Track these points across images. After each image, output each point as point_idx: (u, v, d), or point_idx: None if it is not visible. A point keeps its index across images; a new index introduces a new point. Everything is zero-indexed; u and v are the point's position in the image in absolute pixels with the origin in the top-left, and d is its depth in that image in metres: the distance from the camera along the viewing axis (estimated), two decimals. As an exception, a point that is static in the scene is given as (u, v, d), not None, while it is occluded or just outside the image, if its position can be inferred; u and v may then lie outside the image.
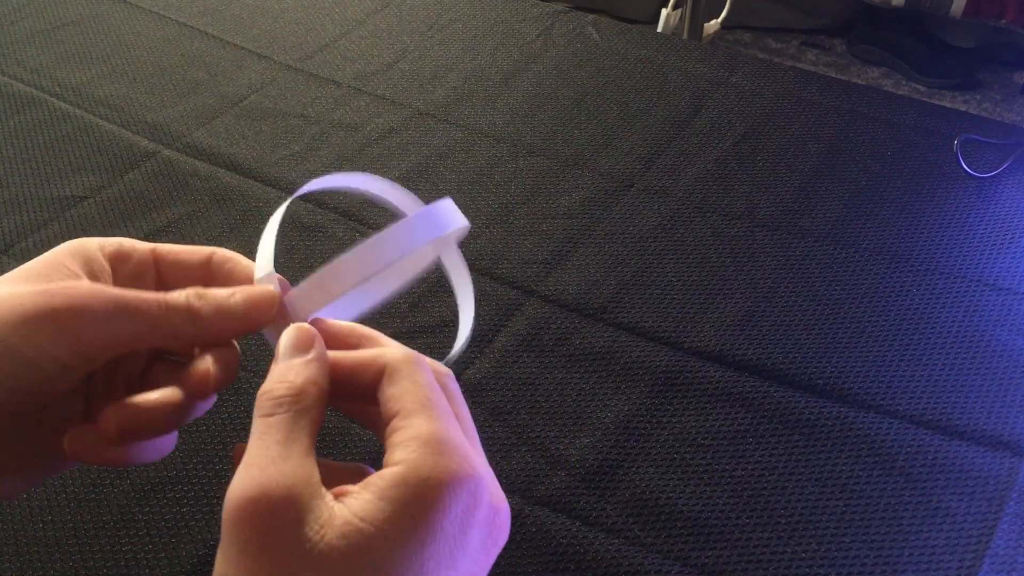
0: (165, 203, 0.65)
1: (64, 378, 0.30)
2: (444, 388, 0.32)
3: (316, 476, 0.28)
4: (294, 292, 0.34)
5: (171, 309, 0.32)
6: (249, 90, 0.76)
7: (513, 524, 0.45)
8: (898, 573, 0.43)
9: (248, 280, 0.36)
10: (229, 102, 0.75)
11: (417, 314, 0.56)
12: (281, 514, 0.27)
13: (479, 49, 0.81)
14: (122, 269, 0.35)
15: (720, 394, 0.51)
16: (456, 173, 0.67)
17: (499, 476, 0.47)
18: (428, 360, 0.32)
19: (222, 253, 0.37)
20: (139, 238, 0.63)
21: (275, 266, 0.59)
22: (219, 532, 0.46)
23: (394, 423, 0.29)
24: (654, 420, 0.50)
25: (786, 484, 0.47)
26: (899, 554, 0.44)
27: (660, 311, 0.56)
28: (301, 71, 0.79)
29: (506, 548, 0.44)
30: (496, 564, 0.44)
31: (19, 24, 0.85)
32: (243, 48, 0.82)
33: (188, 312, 0.32)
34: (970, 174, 0.65)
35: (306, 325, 0.33)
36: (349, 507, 0.27)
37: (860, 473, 0.47)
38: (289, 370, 0.31)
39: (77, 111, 0.74)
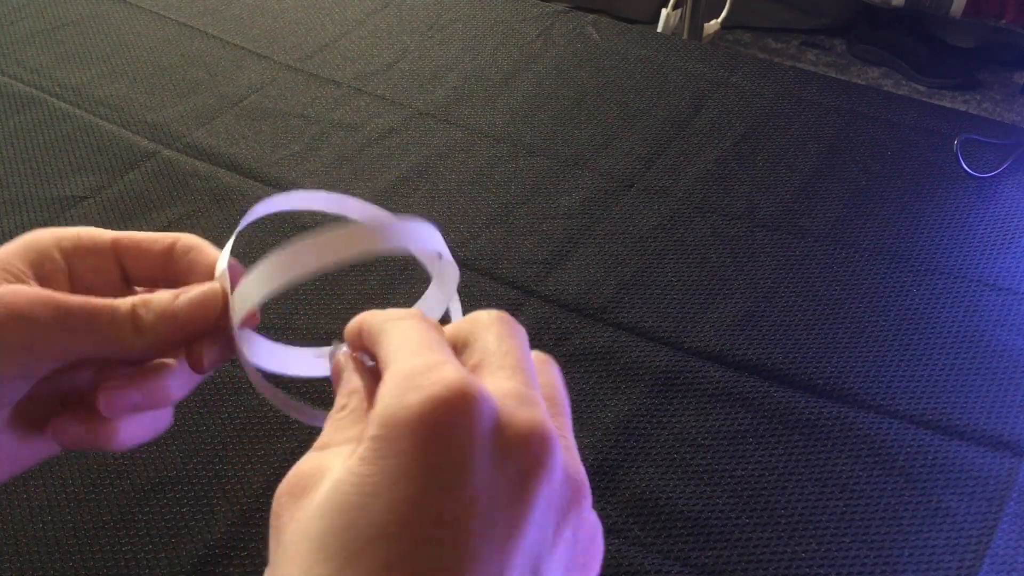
0: (165, 203, 0.65)
1: (8, 388, 0.29)
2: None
3: (324, 463, 0.25)
4: (237, 290, 0.32)
5: (118, 319, 0.29)
6: (249, 90, 0.76)
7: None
8: (898, 573, 0.43)
9: (208, 273, 0.34)
10: (229, 102, 0.75)
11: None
12: (286, 499, 0.25)
13: (479, 49, 0.81)
14: (81, 264, 0.32)
15: (720, 394, 0.51)
16: (456, 173, 0.67)
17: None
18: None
19: (185, 241, 0.35)
20: (139, 238, 0.63)
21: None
22: (218, 532, 0.46)
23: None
24: (654, 420, 0.50)
25: (786, 484, 0.47)
26: (899, 554, 0.44)
27: (660, 311, 0.56)
28: (301, 71, 0.79)
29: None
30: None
31: (19, 24, 0.85)
32: (243, 48, 0.82)
33: (133, 322, 0.30)
34: (970, 174, 0.65)
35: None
36: (323, 459, 0.25)
37: (860, 473, 0.47)
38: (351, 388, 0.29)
39: (77, 111, 0.74)
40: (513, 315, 0.59)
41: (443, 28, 0.84)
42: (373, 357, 0.29)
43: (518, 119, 0.73)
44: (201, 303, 0.31)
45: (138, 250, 0.34)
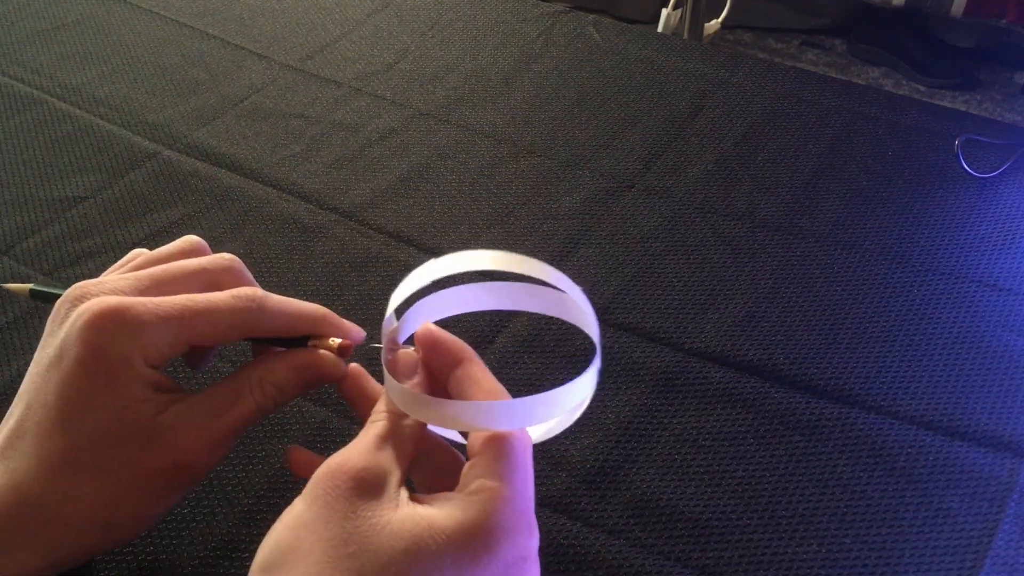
0: (166, 203, 0.65)
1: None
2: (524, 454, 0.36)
3: (397, 475, 0.32)
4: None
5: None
6: (250, 90, 0.76)
7: (514, 525, 0.45)
8: (899, 574, 0.43)
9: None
10: (230, 102, 0.75)
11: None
12: (353, 483, 0.31)
13: (479, 49, 0.81)
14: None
15: (721, 395, 0.51)
16: (456, 174, 0.67)
17: (500, 477, 0.47)
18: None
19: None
20: (140, 238, 0.63)
21: (273, 266, 0.59)
22: (219, 533, 0.46)
23: (475, 461, 0.34)
24: (655, 421, 0.50)
25: (787, 485, 0.47)
26: (900, 555, 0.44)
27: (661, 312, 0.56)
28: (302, 71, 0.79)
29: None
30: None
31: (19, 24, 0.85)
32: (244, 48, 0.82)
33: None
34: (971, 174, 0.65)
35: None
36: (419, 508, 0.31)
37: (861, 474, 0.47)
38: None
39: (77, 111, 0.74)
40: (513, 316, 0.59)
41: (443, 28, 0.84)
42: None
43: (518, 119, 0.73)
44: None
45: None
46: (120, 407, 0.35)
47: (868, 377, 0.52)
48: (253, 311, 0.38)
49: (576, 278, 0.60)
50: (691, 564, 0.44)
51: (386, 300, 0.57)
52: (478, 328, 0.55)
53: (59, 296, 0.38)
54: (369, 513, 0.30)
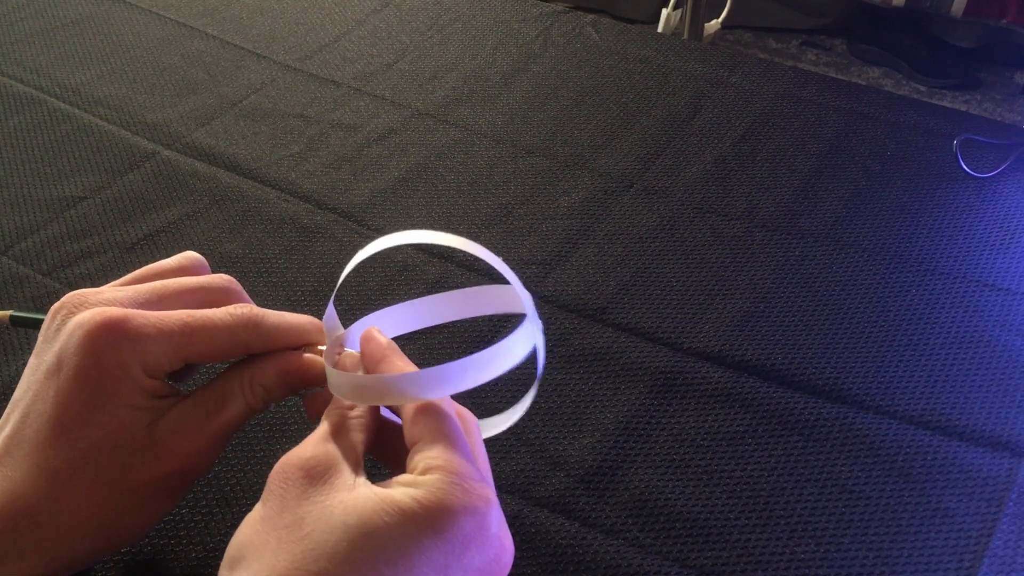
0: (165, 203, 0.65)
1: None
2: (468, 432, 0.36)
3: (348, 463, 0.33)
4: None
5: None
6: (249, 90, 0.76)
7: (512, 525, 0.45)
8: (897, 574, 0.43)
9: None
10: (229, 102, 0.75)
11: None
12: (302, 473, 0.32)
13: (479, 49, 0.81)
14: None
15: (719, 395, 0.51)
16: (455, 173, 0.67)
17: (497, 477, 0.47)
18: (456, 405, 0.37)
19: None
20: (139, 239, 0.63)
21: (272, 266, 0.59)
22: (217, 534, 0.46)
23: (417, 447, 0.33)
24: (653, 421, 0.50)
25: (785, 485, 0.47)
26: (898, 555, 0.44)
27: (659, 312, 0.56)
28: (301, 71, 0.79)
29: (505, 549, 0.44)
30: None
31: (19, 24, 0.85)
32: (243, 48, 0.82)
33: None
34: (970, 174, 0.65)
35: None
36: (375, 488, 0.31)
37: (859, 474, 0.47)
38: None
39: (77, 111, 0.74)
40: (512, 316, 0.59)
41: (443, 28, 0.84)
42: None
43: (517, 119, 0.73)
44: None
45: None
46: (119, 417, 0.35)
47: (866, 377, 0.52)
48: (250, 328, 0.38)
49: (575, 278, 0.60)
50: (689, 564, 0.44)
51: (385, 301, 0.58)
52: (477, 328, 0.55)
53: (40, 321, 0.38)
54: (321, 497, 0.31)
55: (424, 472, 0.32)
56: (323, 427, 0.35)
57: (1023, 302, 0.56)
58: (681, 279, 0.58)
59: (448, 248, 0.61)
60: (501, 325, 0.56)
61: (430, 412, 0.34)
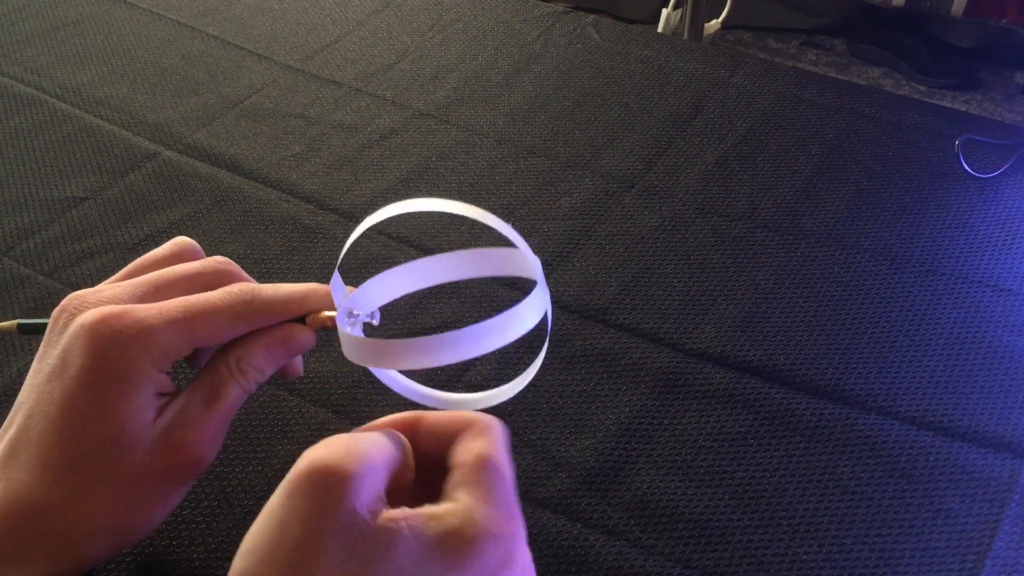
0: (166, 204, 0.65)
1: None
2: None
3: (377, 476, 0.31)
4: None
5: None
6: (250, 91, 0.76)
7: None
8: (899, 574, 0.43)
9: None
10: (230, 103, 0.75)
11: (418, 315, 0.56)
12: (331, 480, 0.30)
13: (480, 50, 0.81)
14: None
15: (721, 395, 0.51)
16: (456, 174, 0.67)
17: (500, 478, 0.47)
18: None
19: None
20: (140, 239, 0.63)
21: (273, 267, 0.59)
22: (219, 535, 0.46)
23: (457, 466, 0.33)
24: (655, 422, 0.50)
25: (787, 486, 0.47)
26: (900, 556, 0.44)
27: (661, 312, 0.56)
28: (302, 72, 0.79)
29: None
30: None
31: (19, 25, 0.85)
32: (244, 49, 0.82)
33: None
34: (971, 174, 0.65)
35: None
36: (395, 512, 0.30)
37: (861, 475, 0.47)
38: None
39: (77, 112, 0.74)
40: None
41: (444, 29, 0.84)
42: None
43: (519, 120, 0.73)
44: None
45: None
46: (125, 414, 0.35)
47: (868, 377, 0.52)
48: (248, 302, 0.38)
49: (577, 279, 0.60)
50: (691, 565, 0.44)
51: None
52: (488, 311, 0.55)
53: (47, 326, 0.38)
54: (337, 514, 0.29)
55: (459, 499, 0.32)
56: (362, 435, 0.33)
57: (1025, 303, 0.56)
58: (683, 280, 0.58)
59: (448, 249, 0.61)
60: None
61: (481, 453, 0.34)
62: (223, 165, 0.68)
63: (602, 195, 0.65)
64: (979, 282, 0.57)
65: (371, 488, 0.31)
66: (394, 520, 0.30)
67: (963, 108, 1.91)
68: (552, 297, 0.57)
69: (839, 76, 1.93)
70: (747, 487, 0.47)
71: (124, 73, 0.79)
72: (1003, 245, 0.60)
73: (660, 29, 1.65)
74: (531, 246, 0.62)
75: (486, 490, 0.32)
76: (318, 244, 0.62)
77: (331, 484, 0.30)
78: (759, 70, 0.77)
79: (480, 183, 0.66)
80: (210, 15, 0.86)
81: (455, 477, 0.33)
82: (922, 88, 1.98)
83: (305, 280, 0.59)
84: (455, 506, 0.31)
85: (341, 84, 0.77)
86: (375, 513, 0.30)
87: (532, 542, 0.45)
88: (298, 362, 0.43)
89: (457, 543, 0.30)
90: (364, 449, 0.32)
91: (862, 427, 0.49)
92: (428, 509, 0.31)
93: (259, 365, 0.39)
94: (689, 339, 0.54)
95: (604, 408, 0.51)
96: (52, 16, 0.86)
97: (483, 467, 0.33)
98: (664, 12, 1.66)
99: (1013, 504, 0.45)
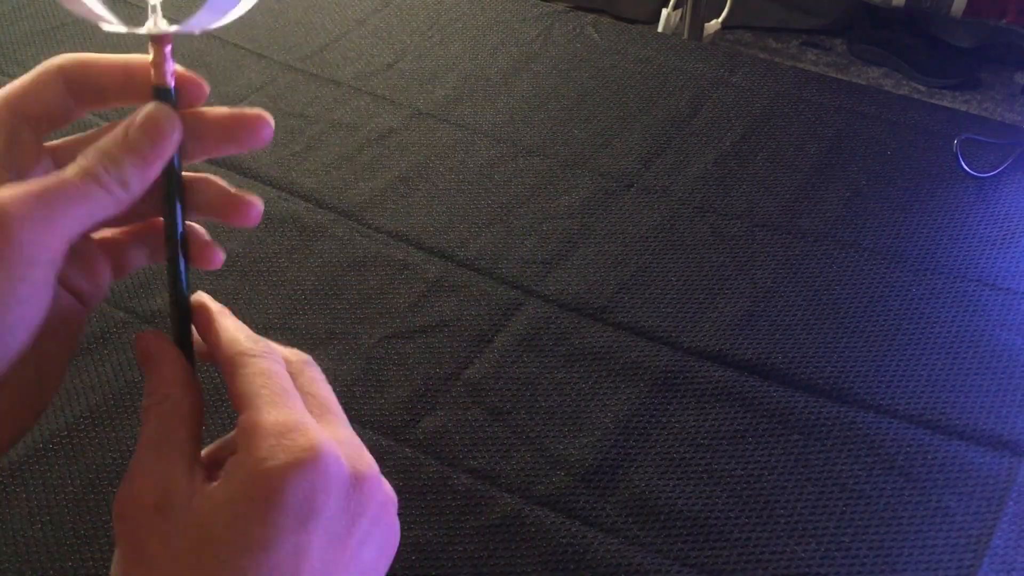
0: (165, 203, 0.65)
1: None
2: (299, 374, 0.32)
3: (175, 470, 0.29)
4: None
5: (91, 190, 0.29)
6: (249, 90, 0.76)
7: (512, 524, 0.45)
8: (897, 573, 0.43)
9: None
10: (229, 102, 0.75)
11: (417, 313, 0.56)
12: (140, 510, 0.28)
13: (479, 49, 0.81)
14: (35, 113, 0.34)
15: (720, 394, 0.51)
16: (456, 173, 0.67)
17: (498, 476, 0.47)
18: (282, 349, 0.33)
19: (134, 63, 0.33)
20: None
21: (272, 265, 0.59)
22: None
23: (239, 418, 0.30)
24: (654, 420, 0.50)
25: (786, 484, 0.47)
26: (899, 554, 0.44)
27: (660, 311, 0.56)
28: (301, 71, 0.79)
29: (505, 548, 0.44)
30: (496, 564, 0.44)
31: (19, 24, 0.85)
32: (243, 48, 0.82)
33: (104, 188, 0.30)
34: (970, 174, 0.65)
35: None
36: (208, 489, 0.28)
37: (860, 473, 0.47)
38: (151, 379, 0.31)
39: (77, 111, 0.74)
40: (513, 315, 0.59)
41: (443, 28, 0.84)
42: (204, 338, 0.33)
43: (518, 119, 0.73)
44: (155, 128, 0.32)
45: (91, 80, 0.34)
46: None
47: (867, 376, 0.52)
48: (69, 69, 0.34)
49: (575, 277, 0.60)
50: (689, 563, 0.44)
51: (385, 300, 0.58)
52: (478, 327, 0.55)
53: None
54: (166, 526, 0.28)
55: (238, 445, 0.29)
56: (144, 435, 0.30)
57: (1023, 302, 0.56)
58: (681, 278, 0.58)
59: (448, 247, 0.61)
60: (501, 324, 0.56)
61: (237, 369, 0.31)
62: (222, 164, 0.68)
63: (601, 194, 0.65)
64: (977, 281, 0.57)
65: (130, 484, 0.29)
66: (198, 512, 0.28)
67: (963, 108, 1.91)
68: (551, 295, 0.57)
69: (839, 76, 1.93)
70: (745, 485, 0.47)
71: (123, 72, 0.79)
72: (1001, 244, 0.60)
73: (660, 29, 1.65)
74: (530, 245, 0.63)
75: (264, 417, 0.29)
76: (317, 242, 0.62)
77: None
78: (758, 70, 0.77)
79: (479, 182, 0.66)
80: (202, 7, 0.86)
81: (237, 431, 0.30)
82: (922, 88, 1.98)
83: (303, 278, 0.59)
84: (240, 454, 0.28)
85: (340, 83, 0.77)
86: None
87: (530, 540, 0.45)
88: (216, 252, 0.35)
89: (256, 491, 0.27)
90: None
91: (860, 425, 0.49)
92: (227, 465, 0.29)
93: (109, 149, 0.31)
94: (687, 337, 0.54)
95: (602, 406, 0.51)
96: (52, 16, 0.86)
97: (253, 403, 0.30)
98: (664, 12, 1.66)
99: (1011, 502, 0.45)
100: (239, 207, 0.35)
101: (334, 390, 0.34)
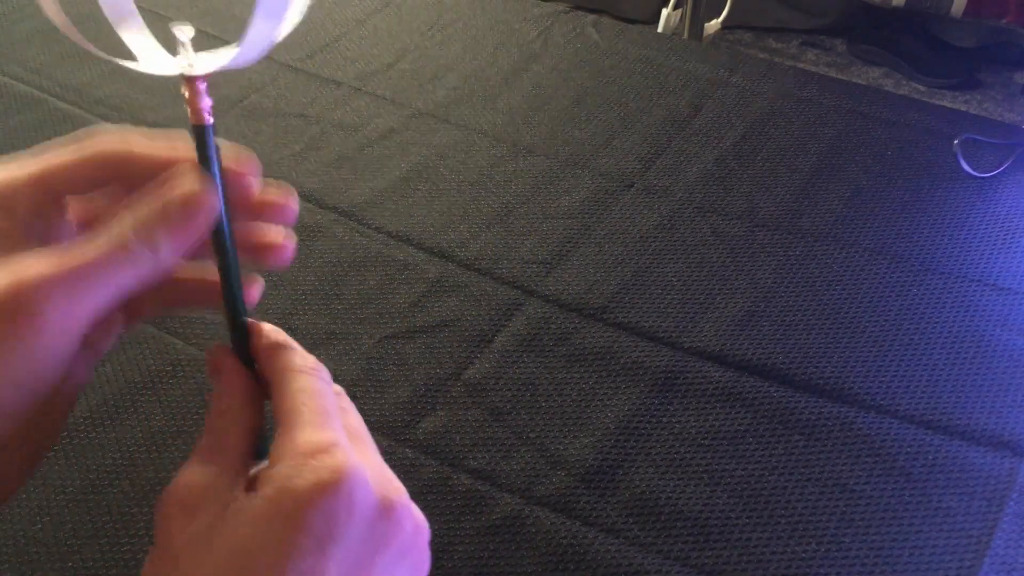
0: (165, 203, 0.65)
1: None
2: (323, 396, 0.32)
3: (221, 478, 0.29)
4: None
5: (130, 255, 0.29)
6: (249, 90, 0.76)
7: (512, 524, 0.45)
8: (898, 573, 0.43)
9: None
10: (230, 102, 0.75)
11: (417, 314, 0.56)
12: (179, 508, 0.28)
13: (479, 49, 0.81)
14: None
15: (720, 394, 0.51)
16: (456, 173, 0.67)
17: (499, 476, 0.47)
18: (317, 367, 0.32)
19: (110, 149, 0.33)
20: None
21: (275, 270, 0.58)
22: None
23: (276, 432, 0.30)
24: (654, 420, 0.50)
25: (786, 484, 0.47)
26: (899, 554, 0.44)
27: (660, 311, 0.56)
28: (301, 71, 0.79)
29: (506, 548, 0.44)
30: (496, 564, 0.44)
31: (19, 24, 0.85)
32: (243, 48, 0.82)
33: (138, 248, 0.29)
34: (970, 174, 0.65)
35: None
36: (244, 501, 0.28)
37: (860, 473, 0.47)
38: (216, 391, 0.32)
39: (78, 111, 0.74)
40: (513, 315, 0.59)
41: (443, 28, 0.84)
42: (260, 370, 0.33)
43: (518, 119, 0.73)
44: (195, 205, 0.31)
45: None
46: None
47: (867, 376, 0.52)
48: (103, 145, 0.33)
49: (576, 277, 0.60)
50: (690, 563, 0.44)
51: (385, 300, 0.58)
52: (478, 328, 0.55)
53: None
54: (198, 528, 0.28)
55: (272, 460, 0.29)
56: (199, 442, 0.31)
57: (1023, 302, 0.56)
58: (682, 278, 0.58)
59: (448, 247, 0.61)
60: (501, 324, 0.56)
61: (282, 384, 0.31)
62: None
63: (601, 194, 0.65)
64: (977, 281, 0.57)
65: (176, 482, 0.29)
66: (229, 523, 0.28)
67: (963, 108, 1.91)
68: (551, 296, 0.57)
69: (839, 76, 1.93)
70: (746, 485, 0.47)
71: (123, 73, 0.78)
72: (1001, 244, 0.60)
73: (660, 29, 1.65)
74: (530, 245, 0.63)
75: (297, 437, 0.29)
76: (318, 242, 0.62)
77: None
78: (759, 70, 0.77)
79: (479, 182, 0.66)
80: (210, 15, 0.86)
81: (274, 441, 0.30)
82: (922, 88, 1.98)
83: (304, 278, 0.59)
84: (273, 471, 0.28)
85: (340, 83, 0.77)
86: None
87: (531, 540, 0.45)
88: (256, 288, 0.35)
89: (281, 510, 0.27)
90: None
91: (861, 425, 0.49)
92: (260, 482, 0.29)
93: (142, 215, 0.30)
94: (688, 338, 0.54)
95: (603, 406, 0.51)
96: (52, 15, 0.86)
97: (293, 422, 0.30)
98: (664, 12, 1.66)
99: (1012, 502, 0.45)
100: (273, 251, 0.35)
101: (335, 390, 0.33)
